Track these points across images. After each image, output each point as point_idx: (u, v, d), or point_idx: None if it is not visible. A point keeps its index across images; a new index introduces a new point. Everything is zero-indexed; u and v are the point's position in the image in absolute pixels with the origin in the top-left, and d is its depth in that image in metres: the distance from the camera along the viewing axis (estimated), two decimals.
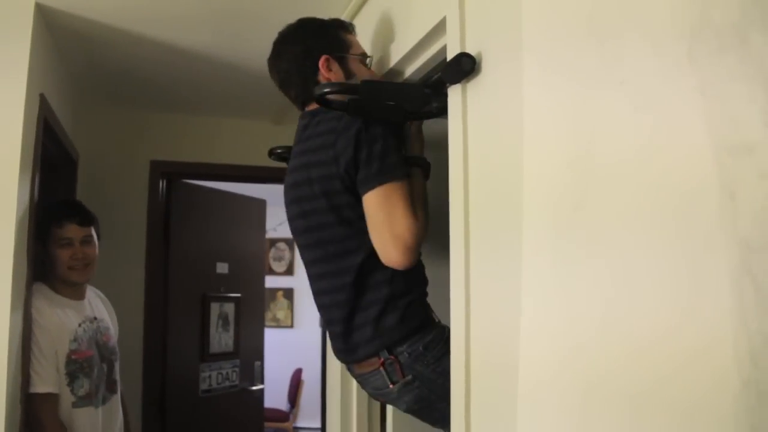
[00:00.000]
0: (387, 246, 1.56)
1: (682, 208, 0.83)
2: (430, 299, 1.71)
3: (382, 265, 1.60)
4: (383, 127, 1.61)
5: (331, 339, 1.77)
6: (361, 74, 1.79)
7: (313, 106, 1.76)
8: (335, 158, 1.59)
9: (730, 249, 0.75)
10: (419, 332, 1.60)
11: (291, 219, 1.77)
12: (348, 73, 1.78)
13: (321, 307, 1.76)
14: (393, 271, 1.61)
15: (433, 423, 1.71)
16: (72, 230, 2.43)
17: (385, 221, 1.55)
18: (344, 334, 1.65)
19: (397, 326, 1.59)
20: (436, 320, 1.66)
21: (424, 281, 1.70)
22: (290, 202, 1.76)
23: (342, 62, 1.77)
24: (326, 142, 1.62)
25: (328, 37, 1.78)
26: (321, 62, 1.73)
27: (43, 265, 2.44)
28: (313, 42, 1.76)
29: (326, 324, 1.77)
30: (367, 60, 1.87)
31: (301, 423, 7.20)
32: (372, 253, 1.60)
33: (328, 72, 1.74)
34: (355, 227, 1.62)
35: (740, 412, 0.72)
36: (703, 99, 0.81)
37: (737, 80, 0.77)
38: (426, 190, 1.70)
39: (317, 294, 1.75)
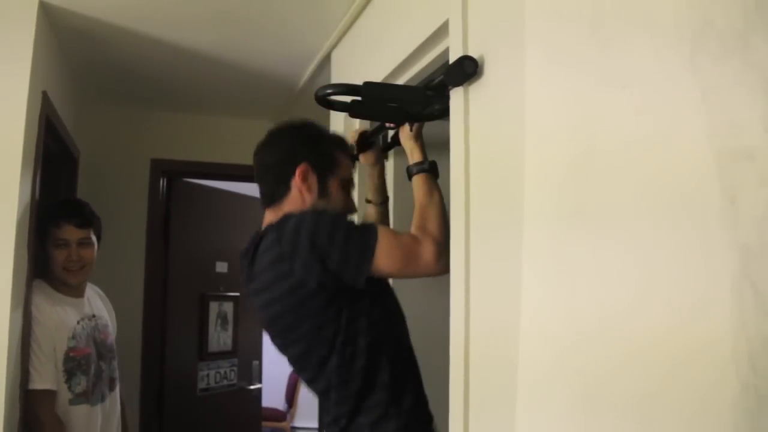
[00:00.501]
0: (423, 273, 1.55)
1: (683, 212, 0.83)
2: (425, 302, 1.71)
3: (382, 366, 1.55)
4: (320, 215, 1.53)
5: None
6: (336, 199, 1.68)
7: (270, 217, 1.68)
8: (301, 283, 1.49)
9: (730, 254, 0.76)
10: None
11: (280, 348, 1.68)
12: (323, 192, 1.66)
13: (319, 403, 1.71)
14: (392, 374, 1.55)
15: None
16: (69, 232, 2.42)
17: (407, 266, 1.52)
18: None
19: None
20: None
21: (420, 383, 1.64)
22: (275, 336, 1.66)
23: (322, 179, 1.66)
24: (281, 272, 1.51)
25: (318, 147, 1.66)
26: (299, 169, 1.62)
27: (44, 262, 2.44)
28: (302, 148, 1.66)
29: (322, 415, 1.70)
30: (351, 187, 1.76)
31: (298, 423, 7.20)
32: (370, 355, 1.55)
33: (302, 182, 1.63)
34: (345, 334, 1.54)
35: (739, 416, 0.72)
36: (704, 104, 0.81)
37: (739, 86, 0.77)
38: (437, 189, 1.65)
39: (315, 392, 1.68)
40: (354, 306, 1.54)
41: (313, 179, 1.63)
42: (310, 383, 1.66)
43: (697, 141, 0.81)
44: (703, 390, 0.78)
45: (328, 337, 1.53)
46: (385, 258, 1.49)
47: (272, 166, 1.69)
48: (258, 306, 1.63)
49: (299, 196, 1.63)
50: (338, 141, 1.74)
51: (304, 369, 1.64)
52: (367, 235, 1.51)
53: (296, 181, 1.63)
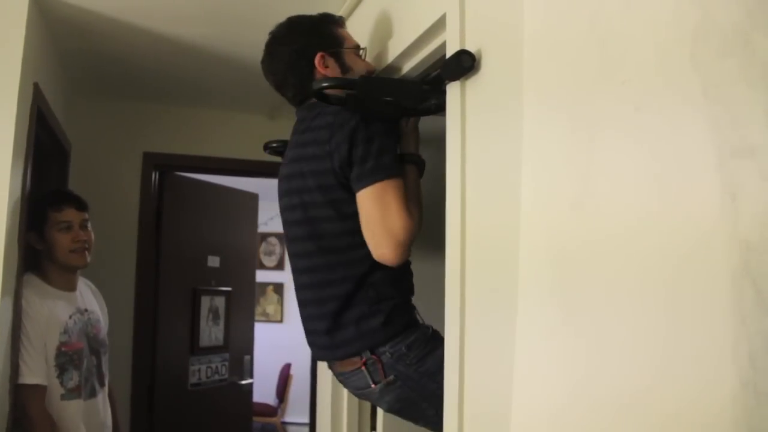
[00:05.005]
0: (380, 242, 1.55)
1: (683, 208, 0.83)
2: (422, 298, 1.71)
3: (378, 266, 1.59)
4: (381, 124, 1.60)
5: (311, 336, 1.74)
6: (357, 66, 1.78)
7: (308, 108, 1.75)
8: (329, 154, 1.58)
9: (730, 250, 0.75)
10: (402, 333, 1.60)
11: (283, 209, 1.76)
12: (344, 67, 1.76)
13: (306, 302, 1.73)
14: (385, 275, 1.60)
15: (415, 421, 1.71)
16: (71, 214, 2.43)
17: (379, 218, 1.55)
18: (328, 332, 1.64)
19: (380, 328, 1.59)
20: (420, 321, 1.66)
21: (412, 290, 1.70)
22: (283, 194, 1.75)
23: (337, 57, 1.75)
24: (321, 137, 1.61)
25: (320, 33, 1.76)
26: (317, 60, 1.72)
27: (35, 255, 2.43)
28: (306, 40, 1.74)
29: (307, 320, 1.74)
30: (361, 51, 1.85)
31: (289, 418, 7.20)
32: (368, 254, 1.59)
33: (324, 69, 1.72)
34: (356, 222, 1.60)
35: (738, 413, 0.72)
36: (705, 99, 0.81)
37: (740, 82, 0.77)
38: (420, 187, 1.69)
39: (304, 287, 1.72)
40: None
41: (331, 61, 1.73)
42: (304, 273, 1.71)
43: (697, 136, 0.81)
44: (702, 386, 0.78)
45: (335, 216, 1.61)
46: (374, 194, 1.56)
47: (290, 71, 1.75)
48: (291, 157, 1.73)
49: None
50: (329, 18, 1.83)
51: (303, 255, 1.70)
52: (393, 168, 1.59)
53: (319, 71, 1.72)
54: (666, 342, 0.84)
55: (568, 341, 1.03)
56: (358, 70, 1.77)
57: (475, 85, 1.43)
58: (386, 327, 1.59)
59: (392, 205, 1.55)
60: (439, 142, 1.59)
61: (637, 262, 0.90)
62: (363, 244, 1.59)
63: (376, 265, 1.59)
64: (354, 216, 1.60)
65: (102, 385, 2.50)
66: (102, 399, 2.49)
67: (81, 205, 2.49)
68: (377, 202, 1.55)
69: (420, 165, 1.76)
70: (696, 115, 0.82)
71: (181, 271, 3.86)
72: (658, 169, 0.87)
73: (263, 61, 1.80)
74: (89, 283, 2.65)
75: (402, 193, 1.58)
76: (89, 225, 2.51)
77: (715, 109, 0.79)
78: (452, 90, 1.50)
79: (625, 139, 0.94)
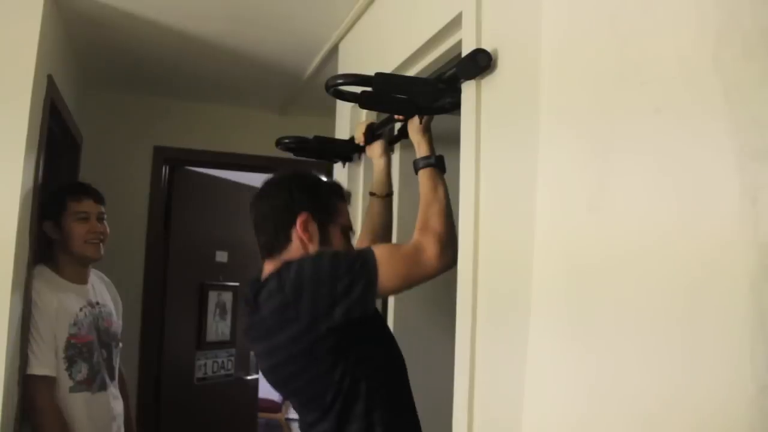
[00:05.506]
0: (429, 274, 1.51)
1: (702, 212, 0.82)
2: (433, 304, 1.70)
3: (380, 410, 1.54)
4: (321, 257, 1.52)
5: None
6: (337, 247, 1.66)
7: (270, 267, 1.64)
8: (309, 328, 1.48)
9: (749, 254, 0.75)
10: None
11: (282, 395, 1.67)
12: (324, 240, 1.64)
13: None
14: (389, 416, 1.55)
15: None
16: (89, 205, 2.46)
17: (411, 276, 1.50)
18: None
19: None
20: None
21: (417, 425, 1.66)
22: (277, 384, 1.66)
23: (322, 227, 1.64)
24: (286, 318, 1.50)
25: (317, 196, 1.65)
26: (299, 219, 1.60)
27: (47, 246, 2.44)
28: (301, 197, 1.64)
29: None
30: (350, 233, 1.75)
31: (293, 414, 7.21)
32: (369, 400, 1.53)
33: (303, 231, 1.60)
34: (350, 377, 1.52)
35: (755, 417, 0.72)
36: (726, 103, 0.80)
37: (763, 85, 0.76)
38: (445, 183, 1.65)
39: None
40: (358, 351, 1.53)
41: (314, 228, 1.61)
42: (311, 427, 1.63)
43: (718, 139, 0.81)
44: (721, 396, 0.78)
45: (333, 382, 1.51)
46: (388, 277, 1.47)
47: (271, 216, 1.65)
48: (259, 353, 1.62)
49: (300, 246, 1.60)
50: (335, 188, 1.73)
51: (308, 413, 1.62)
52: (366, 261, 1.48)
53: (297, 231, 1.60)
54: (684, 351, 0.83)
55: (582, 353, 1.02)
56: (336, 249, 1.65)
57: (490, 84, 1.43)
58: None
59: (400, 264, 1.50)
60: (453, 141, 1.59)
61: (655, 269, 0.90)
62: (359, 396, 1.53)
63: (377, 410, 1.54)
64: (345, 377, 1.52)
65: (112, 378, 2.50)
66: (112, 392, 2.49)
67: (99, 199, 2.52)
68: (394, 278, 1.49)
69: (436, 165, 1.68)
70: (717, 117, 0.81)
71: (189, 265, 3.87)
72: (677, 172, 0.87)
73: (255, 195, 1.72)
74: (102, 275, 2.66)
75: (391, 246, 1.54)
76: (105, 219, 2.53)
77: (737, 112, 0.79)
78: (467, 89, 1.49)
79: (644, 140, 0.93)
